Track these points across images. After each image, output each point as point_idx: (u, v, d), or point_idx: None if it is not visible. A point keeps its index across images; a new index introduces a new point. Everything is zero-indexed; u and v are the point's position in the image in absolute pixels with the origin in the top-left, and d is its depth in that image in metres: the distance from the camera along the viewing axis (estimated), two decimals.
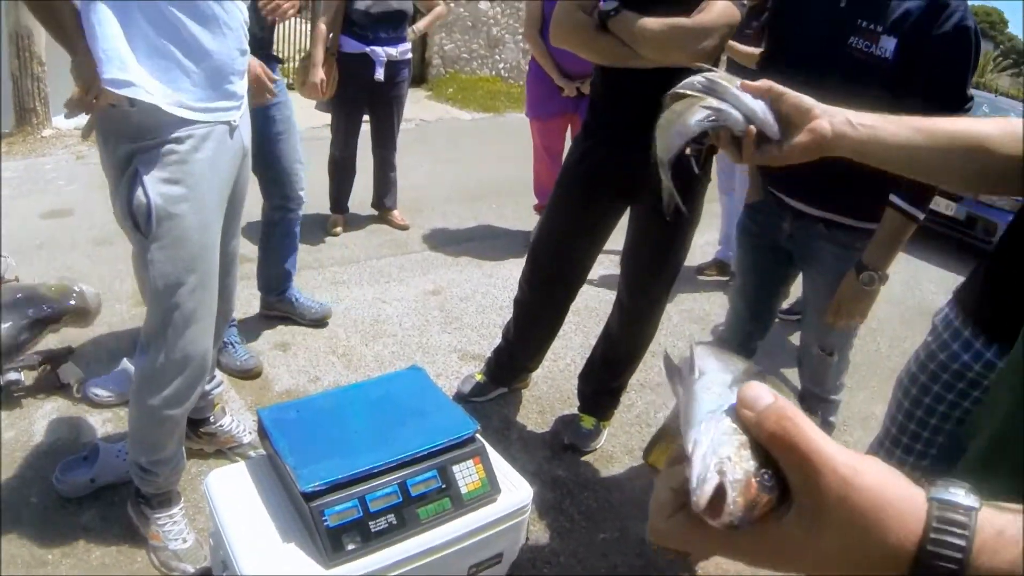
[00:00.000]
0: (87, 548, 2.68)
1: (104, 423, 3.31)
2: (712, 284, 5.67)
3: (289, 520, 2.09)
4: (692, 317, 5.09)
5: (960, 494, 0.62)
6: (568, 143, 4.32)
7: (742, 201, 3.16)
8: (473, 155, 8.72)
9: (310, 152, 6.28)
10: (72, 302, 0.73)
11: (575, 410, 3.69)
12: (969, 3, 2.43)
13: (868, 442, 2.29)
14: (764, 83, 1.36)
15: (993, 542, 0.59)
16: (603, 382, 3.58)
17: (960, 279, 2.02)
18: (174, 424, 2.53)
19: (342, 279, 5.10)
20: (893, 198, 2.46)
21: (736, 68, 4.03)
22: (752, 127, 1.36)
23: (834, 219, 2.69)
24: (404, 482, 2.10)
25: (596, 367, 3.57)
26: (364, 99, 5.55)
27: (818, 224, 2.72)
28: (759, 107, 1.35)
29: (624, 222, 3.27)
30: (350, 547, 1.98)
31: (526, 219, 6.21)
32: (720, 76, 1.39)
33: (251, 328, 4.25)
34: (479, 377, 3.83)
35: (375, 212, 6.20)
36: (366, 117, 5.73)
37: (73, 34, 2.18)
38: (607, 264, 5.23)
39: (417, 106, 10.57)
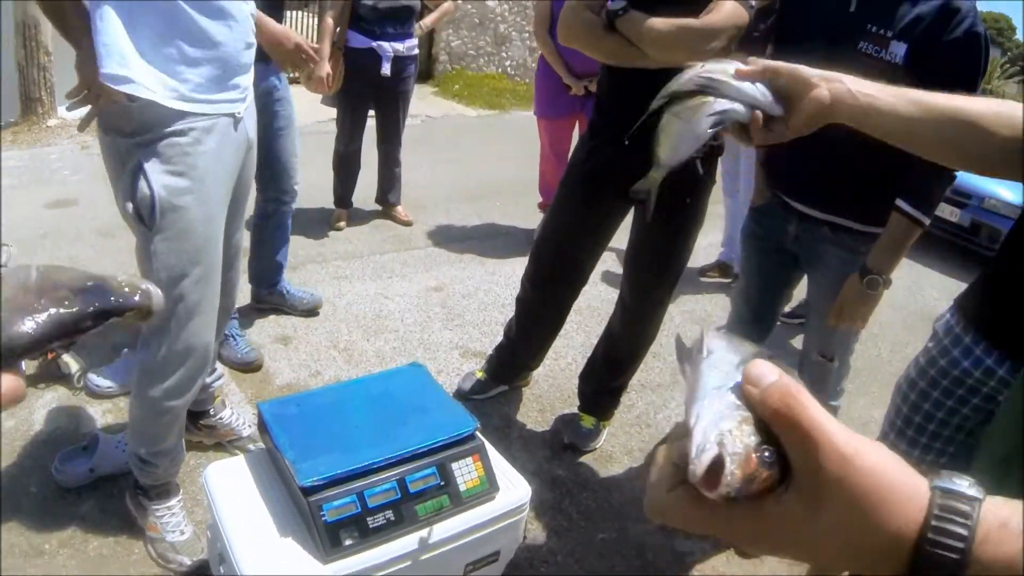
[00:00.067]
0: (85, 538, 2.68)
1: (104, 414, 3.31)
2: (714, 286, 5.66)
3: (287, 514, 2.09)
4: (694, 318, 5.08)
5: (964, 484, 0.61)
6: (575, 142, 4.33)
7: (746, 203, 3.16)
8: (478, 152, 8.72)
9: (315, 146, 6.31)
10: (137, 298, 0.73)
11: (575, 409, 3.68)
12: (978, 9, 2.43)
13: None
14: (758, 65, 1.37)
15: (996, 533, 0.58)
16: (604, 382, 3.57)
17: (963, 285, 2.01)
18: (174, 416, 2.53)
19: (345, 274, 5.10)
20: (899, 203, 2.46)
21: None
22: (757, 112, 1.36)
23: (840, 223, 2.68)
24: (403, 478, 2.10)
25: (597, 366, 3.57)
26: (370, 94, 5.54)
27: (823, 227, 2.71)
28: (759, 91, 1.35)
29: (628, 220, 3.27)
30: (348, 543, 1.98)
31: (530, 217, 6.21)
32: (715, 68, 1.38)
33: (250, 321, 4.25)
34: (480, 374, 3.83)
35: (379, 207, 6.20)
36: (372, 112, 5.72)
37: (77, 28, 2.19)
38: (609, 262, 5.23)
39: (423, 102, 10.58)
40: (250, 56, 2.44)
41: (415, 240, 5.89)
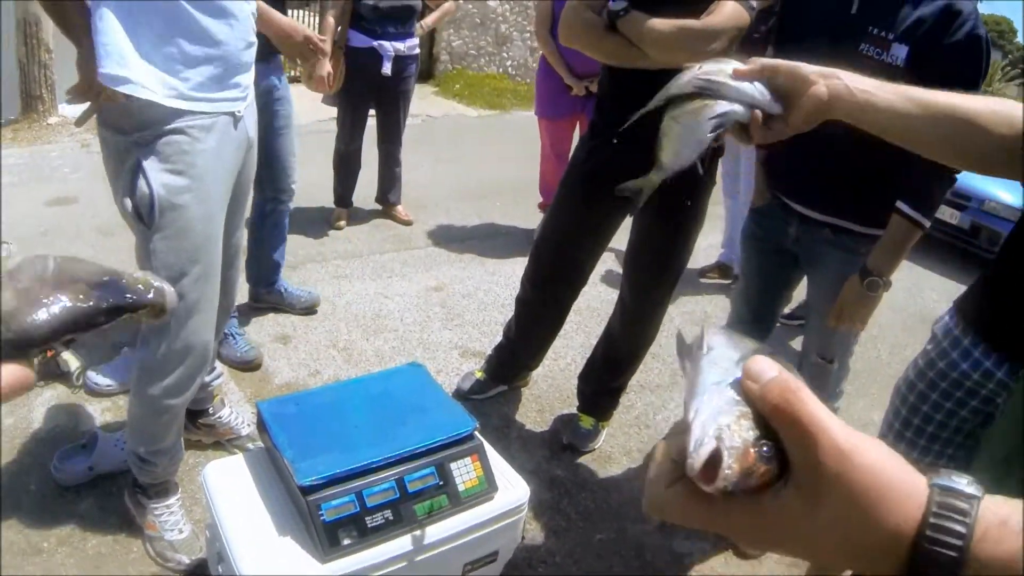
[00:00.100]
0: (83, 537, 2.68)
1: (103, 412, 3.31)
2: (714, 287, 5.66)
3: (286, 514, 2.09)
4: (694, 319, 5.07)
5: (963, 482, 0.60)
6: (576, 143, 4.33)
7: (746, 204, 3.16)
8: (478, 152, 8.71)
9: (316, 146, 6.32)
10: (151, 296, 0.72)
11: (574, 410, 3.68)
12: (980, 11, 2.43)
13: None
14: (756, 64, 1.37)
15: (995, 531, 0.58)
16: (603, 382, 3.57)
17: (963, 288, 2.01)
18: (174, 414, 2.54)
19: (344, 273, 5.10)
20: (900, 205, 2.46)
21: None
22: (756, 112, 1.36)
23: (840, 224, 2.68)
24: (401, 478, 2.10)
25: (596, 367, 3.57)
26: (371, 94, 5.54)
27: (824, 229, 2.71)
28: (757, 91, 1.35)
29: (628, 221, 3.27)
30: (346, 542, 1.98)
31: (530, 217, 6.21)
32: (713, 68, 1.38)
33: (250, 320, 4.25)
34: (479, 374, 3.83)
35: (379, 207, 6.20)
36: (372, 112, 5.72)
37: (78, 26, 2.19)
38: (609, 262, 5.23)
39: (424, 102, 10.57)
40: (251, 55, 2.44)
41: (415, 240, 5.89)
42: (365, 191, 6.07)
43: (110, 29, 2.09)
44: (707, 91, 1.36)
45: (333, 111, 5.75)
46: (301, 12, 11.40)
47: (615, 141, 1.78)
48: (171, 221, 2.25)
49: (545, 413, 3.82)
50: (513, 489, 2.31)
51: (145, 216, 2.23)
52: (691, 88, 1.37)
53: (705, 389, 0.68)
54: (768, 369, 0.65)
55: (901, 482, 0.61)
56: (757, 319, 3.07)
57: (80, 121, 2.38)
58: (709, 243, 5.83)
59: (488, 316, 4.74)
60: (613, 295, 3.56)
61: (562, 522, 3.10)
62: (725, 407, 0.65)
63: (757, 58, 1.38)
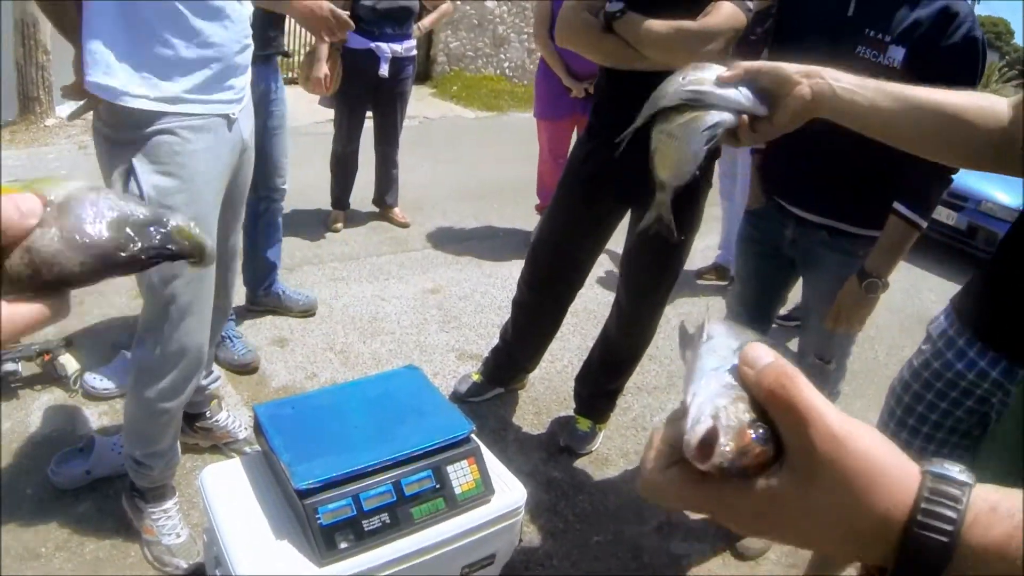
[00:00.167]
0: (81, 541, 2.68)
1: (100, 416, 3.31)
2: (711, 288, 5.66)
3: (283, 517, 2.09)
4: (691, 321, 5.06)
5: (955, 470, 0.61)
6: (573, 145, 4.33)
7: (743, 206, 3.16)
8: (475, 154, 8.72)
9: (312, 148, 6.33)
10: (190, 248, 0.73)
11: (571, 412, 3.68)
12: (976, 13, 2.44)
13: None
14: (739, 68, 1.38)
15: (986, 517, 0.58)
16: (600, 384, 3.57)
17: (959, 288, 2.01)
18: (170, 417, 2.53)
19: (341, 275, 5.10)
20: (897, 206, 2.46)
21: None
22: (744, 116, 1.36)
23: (837, 226, 2.69)
24: (398, 481, 2.09)
25: (593, 369, 3.57)
26: (368, 95, 5.54)
27: (821, 231, 2.72)
28: (744, 96, 1.36)
29: (624, 223, 3.26)
30: (343, 545, 1.98)
31: (527, 219, 6.20)
32: (696, 76, 1.39)
33: (247, 323, 4.25)
34: (476, 377, 3.83)
35: (376, 209, 6.20)
36: (369, 113, 5.72)
37: (75, 29, 2.19)
38: (606, 264, 5.23)
39: (421, 103, 10.57)
40: (246, 57, 2.44)
41: (412, 242, 5.88)
42: (362, 193, 6.06)
43: (97, 35, 2.10)
44: (694, 101, 1.37)
45: (330, 113, 5.75)
46: None
47: (616, 155, 1.78)
48: None
49: (542, 415, 3.82)
50: (510, 491, 2.31)
51: None
52: (678, 100, 1.38)
53: (703, 374, 0.69)
54: (764, 355, 0.65)
55: (894, 468, 0.61)
56: (753, 321, 3.06)
57: (74, 116, 2.39)
58: (706, 245, 5.84)
59: (485, 318, 4.74)
60: (610, 297, 3.56)
61: (559, 524, 3.10)
62: (722, 391, 0.65)
63: (740, 62, 1.39)
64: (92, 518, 2.77)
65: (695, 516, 3.21)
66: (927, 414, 1.97)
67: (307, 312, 4.45)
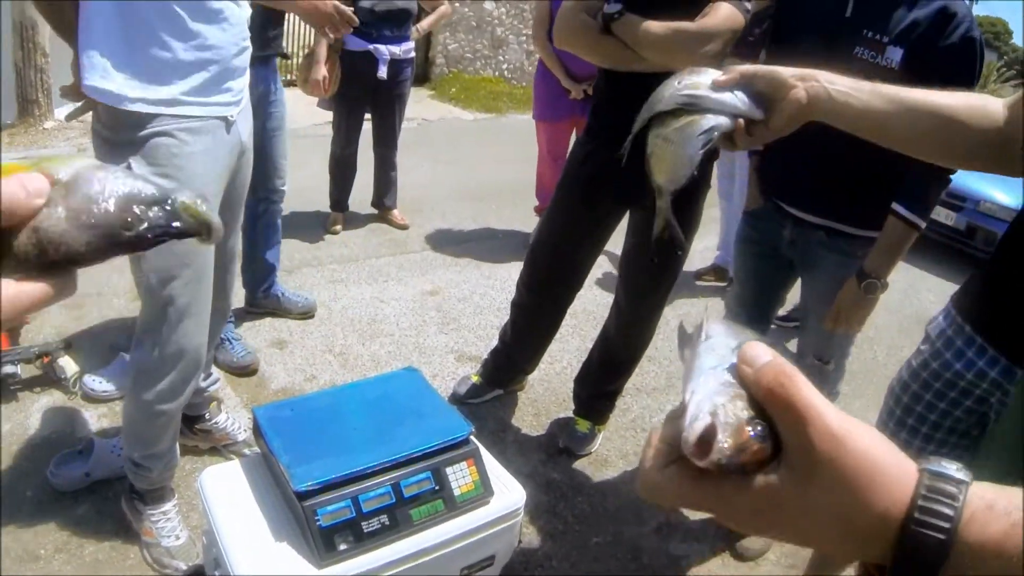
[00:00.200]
0: (80, 543, 2.68)
1: (100, 418, 3.31)
2: (710, 289, 5.67)
3: (282, 519, 2.09)
4: (689, 322, 5.06)
5: (952, 468, 0.61)
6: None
7: (741, 207, 3.16)
8: (474, 156, 8.72)
9: (311, 150, 6.33)
10: (196, 227, 0.72)
11: (571, 413, 3.68)
12: (975, 13, 2.44)
13: None
14: (734, 72, 1.38)
15: (983, 514, 0.58)
16: (599, 386, 3.57)
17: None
18: (168, 419, 2.53)
19: (340, 277, 5.10)
20: (895, 206, 2.47)
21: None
22: (740, 120, 1.37)
23: (835, 227, 2.69)
24: (397, 483, 2.09)
25: (592, 370, 3.57)
26: (366, 97, 5.54)
27: (819, 232, 2.72)
28: (739, 100, 1.37)
29: (623, 224, 3.27)
30: (342, 547, 1.98)
31: (526, 221, 6.21)
32: (692, 81, 1.39)
33: (246, 325, 4.25)
34: (475, 379, 3.83)
35: (375, 211, 6.20)
36: (368, 115, 5.72)
37: (73, 30, 2.19)
38: (605, 266, 5.23)
39: (419, 105, 10.57)
40: (244, 59, 2.43)
41: (411, 244, 5.89)
42: (361, 195, 6.07)
43: (95, 38, 2.10)
44: (690, 106, 1.37)
45: (329, 115, 5.75)
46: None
47: (616, 157, 1.79)
48: None
49: (541, 417, 3.82)
50: (509, 493, 2.31)
51: None
52: (674, 104, 1.38)
53: (701, 373, 0.69)
54: (763, 354, 0.65)
55: (892, 466, 0.61)
56: (751, 322, 3.06)
57: (71, 117, 2.39)
58: (705, 246, 5.85)
59: (484, 320, 4.74)
60: (609, 298, 3.56)
61: (559, 526, 3.10)
62: (720, 388, 0.66)
63: (735, 66, 1.40)
64: (91, 520, 2.77)
65: (694, 517, 3.21)
66: (926, 414, 1.97)
67: (306, 314, 4.45)
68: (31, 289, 0.64)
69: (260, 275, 4.28)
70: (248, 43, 2.44)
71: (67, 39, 2.30)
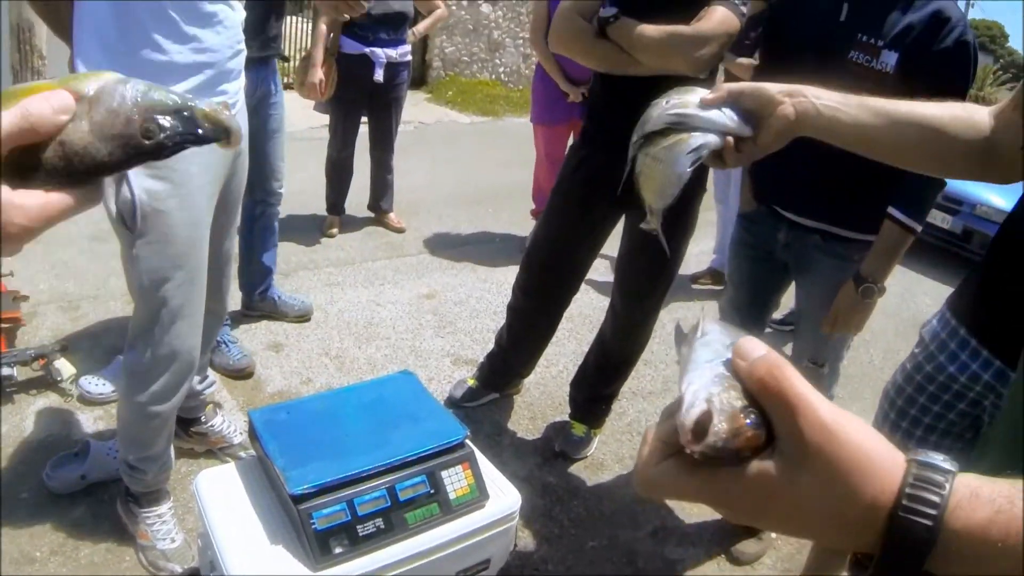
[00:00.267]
0: (76, 546, 2.68)
1: (96, 420, 3.31)
2: (706, 293, 5.67)
3: (277, 522, 2.09)
4: (686, 323, 5.07)
5: (939, 458, 0.63)
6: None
7: (737, 210, 3.17)
8: (471, 159, 8.73)
9: (308, 153, 6.32)
10: (215, 134, 0.73)
11: (567, 417, 3.68)
12: (970, 17, 2.45)
13: None
14: (722, 90, 1.39)
15: (968, 502, 0.60)
16: (595, 389, 3.57)
17: None
18: (162, 421, 2.53)
19: (337, 281, 5.10)
20: (891, 210, 2.47)
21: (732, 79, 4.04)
22: (729, 138, 1.37)
23: (830, 230, 2.69)
24: (393, 486, 2.09)
25: (589, 374, 3.57)
26: (363, 100, 5.54)
27: (814, 235, 2.72)
28: (727, 117, 1.38)
29: (619, 228, 3.27)
30: (337, 550, 1.98)
31: (522, 224, 6.21)
32: (680, 100, 1.40)
33: (243, 328, 4.25)
34: (471, 382, 3.83)
35: (371, 214, 6.20)
36: (364, 118, 5.72)
37: (69, 27, 2.19)
38: (601, 270, 5.23)
39: (416, 108, 10.58)
40: (239, 62, 2.43)
41: (407, 247, 5.89)
42: (357, 198, 6.07)
43: (89, 40, 2.10)
44: (678, 125, 1.38)
45: (325, 118, 5.76)
46: (294, 18, 11.41)
47: (619, 193, 1.80)
48: (154, 226, 2.24)
49: (537, 420, 3.82)
50: (505, 497, 2.31)
51: (128, 221, 2.23)
52: (663, 124, 1.39)
53: (697, 366, 0.71)
54: (757, 348, 0.67)
55: (880, 456, 0.63)
56: (746, 325, 3.06)
57: None
58: (701, 249, 5.85)
59: (480, 323, 4.74)
60: (605, 302, 3.56)
61: (555, 529, 3.10)
62: (716, 379, 0.67)
63: (723, 84, 1.42)
64: (87, 522, 2.77)
65: (690, 521, 3.21)
66: (920, 417, 1.98)
67: (302, 317, 4.45)
68: (57, 199, 0.70)
69: (257, 278, 4.27)
70: (243, 46, 2.44)
71: (65, 39, 2.30)
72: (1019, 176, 1.45)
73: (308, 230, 5.78)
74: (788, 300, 3.18)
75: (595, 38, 2.78)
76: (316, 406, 2.40)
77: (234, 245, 2.86)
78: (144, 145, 0.72)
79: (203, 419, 3.10)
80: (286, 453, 2.10)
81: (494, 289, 5.22)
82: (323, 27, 5.09)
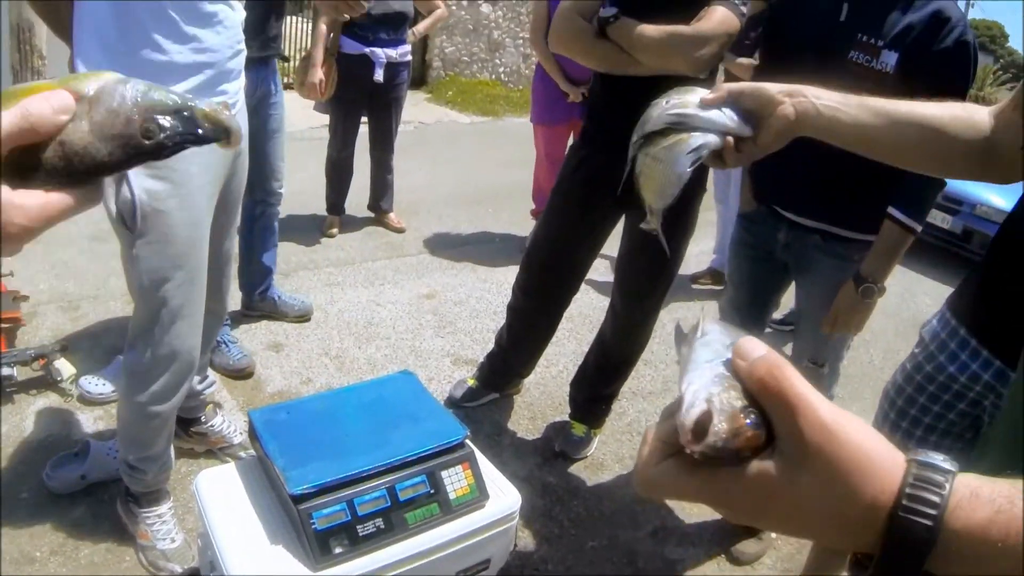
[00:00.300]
0: (76, 546, 2.68)
1: (96, 420, 3.30)
2: (706, 293, 5.67)
3: (277, 522, 2.08)
4: (686, 323, 5.06)
5: (939, 458, 0.63)
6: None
7: (737, 210, 3.17)
8: (471, 159, 8.73)
9: (308, 153, 6.33)
10: (214, 134, 0.73)
11: (567, 417, 3.68)
12: (970, 17, 2.45)
13: None
14: (722, 90, 1.39)
15: (968, 502, 0.60)
16: (595, 389, 3.57)
17: None
18: (162, 421, 2.53)
19: (337, 281, 5.10)
20: (891, 210, 2.47)
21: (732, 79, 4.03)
22: (729, 138, 1.37)
23: (830, 230, 2.69)
24: (393, 486, 2.09)
25: (589, 374, 3.57)
26: (363, 100, 5.54)
27: (814, 235, 2.72)
28: (727, 117, 1.38)
29: (619, 228, 3.27)
30: (337, 550, 1.98)
31: (522, 224, 6.21)
32: (680, 100, 1.40)
33: (243, 328, 4.25)
34: (471, 382, 3.83)
35: (371, 214, 6.20)
36: (364, 118, 5.72)
37: (69, 27, 2.19)
38: (601, 270, 5.23)
39: (416, 108, 10.58)
40: (239, 62, 2.43)
41: (407, 247, 5.89)
42: (357, 198, 6.07)
43: (89, 40, 2.10)
44: (678, 125, 1.38)
45: (325, 118, 5.76)
46: (294, 18, 11.41)
47: (619, 193, 1.80)
48: (154, 226, 2.24)
49: (537, 420, 3.82)
50: (505, 497, 2.31)
51: (128, 221, 2.23)
52: (663, 124, 1.39)
53: (697, 366, 0.70)
54: (757, 348, 0.67)
55: (880, 456, 0.63)
56: (746, 325, 3.06)
57: None
58: (701, 249, 5.85)
59: (480, 323, 4.74)
60: (605, 302, 3.56)
61: (555, 529, 3.10)
62: (716, 379, 0.67)
63: (722, 84, 1.42)
64: (87, 522, 2.77)
65: (690, 521, 3.21)
66: (920, 417, 1.98)
67: (303, 317, 4.45)
68: (57, 199, 0.70)
69: (257, 278, 4.28)
70: (243, 46, 2.44)
71: (65, 39, 2.30)
72: (1019, 176, 1.45)
73: (308, 230, 5.78)
74: (788, 300, 3.18)
75: (595, 38, 2.78)
76: (316, 406, 2.40)
77: (234, 245, 2.86)
78: (144, 145, 0.72)
79: (203, 419, 3.09)
80: (286, 453, 2.10)
81: (494, 289, 5.22)
82: (323, 27, 5.09)
